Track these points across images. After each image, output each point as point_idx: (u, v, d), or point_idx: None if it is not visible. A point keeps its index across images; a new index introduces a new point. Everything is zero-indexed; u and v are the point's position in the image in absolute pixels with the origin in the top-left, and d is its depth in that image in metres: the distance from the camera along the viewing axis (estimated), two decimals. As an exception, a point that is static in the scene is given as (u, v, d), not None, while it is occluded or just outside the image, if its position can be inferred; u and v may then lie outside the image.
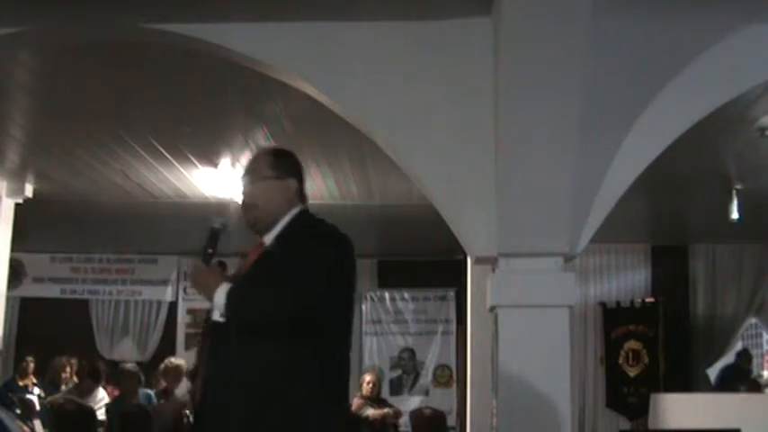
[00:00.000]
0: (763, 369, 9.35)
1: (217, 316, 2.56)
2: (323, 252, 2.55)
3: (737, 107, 5.09)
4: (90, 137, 6.55)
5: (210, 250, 2.71)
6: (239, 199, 2.77)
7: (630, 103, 3.87)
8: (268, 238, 2.68)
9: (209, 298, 2.56)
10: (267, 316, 2.51)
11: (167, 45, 4.16)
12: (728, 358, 9.94)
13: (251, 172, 2.75)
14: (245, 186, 2.74)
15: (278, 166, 2.73)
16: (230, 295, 2.52)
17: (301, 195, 2.76)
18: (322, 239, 2.59)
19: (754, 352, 10.58)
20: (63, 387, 8.44)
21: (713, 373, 9.87)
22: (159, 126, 6.30)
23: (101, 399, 7.98)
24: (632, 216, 7.69)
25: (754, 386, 8.99)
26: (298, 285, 2.48)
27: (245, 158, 6.93)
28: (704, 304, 10.02)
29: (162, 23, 3.94)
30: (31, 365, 8.63)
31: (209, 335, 2.66)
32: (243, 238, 2.85)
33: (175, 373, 7.55)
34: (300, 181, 2.77)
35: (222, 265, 2.77)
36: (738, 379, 9.09)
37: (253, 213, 2.70)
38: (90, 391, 7.92)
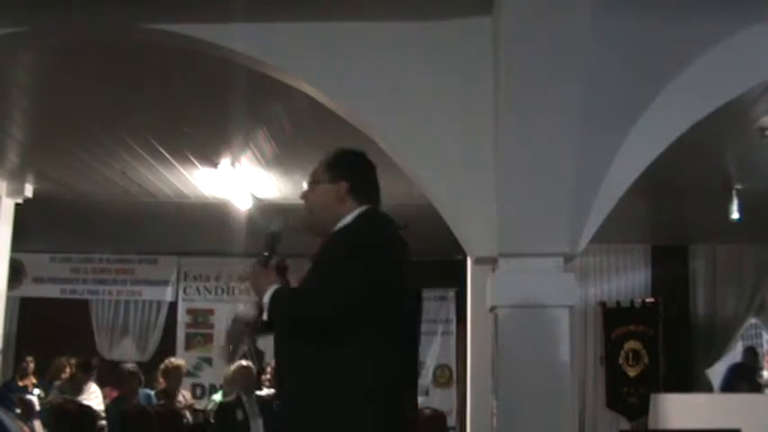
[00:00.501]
0: (763, 369, 9.34)
1: (265, 317, 2.61)
2: (355, 260, 2.50)
3: (737, 107, 5.08)
4: (90, 137, 6.55)
5: (267, 253, 2.73)
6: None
7: (630, 103, 3.87)
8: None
9: (260, 299, 2.63)
10: (296, 319, 2.55)
11: (167, 45, 4.16)
12: (734, 357, 9.94)
13: (309, 177, 2.78)
14: (306, 195, 2.77)
15: (331, 169, 2.73)
16: (273, 297, 2.57)
17: (363, 194, 2.72)
18: (349, 243, 2.57)
19: (754, 352, 10.58)
20: (57, 383, 8.43)
21: (718, 372, 9.87)
22: (159, 126, 6.30)
23: (93, 392, 8.01)
24: (632, 216, 7.69)
25: (757, 386, 8.98)
26: (325, 287, 2.50)
27: (245, 158, 6.94)
28: (704, 304, 10.02)
29: (162, 23, 3.94)
30: (31, 365, 8.63)
31: (252, 333, 2.78)
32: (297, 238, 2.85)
33: (176, 373, 7.56)
34: (357, 180, 2.72)
35: (283, 265, 2.76)
36: (747, 376, 9.08)
37: (309, 219, 2.74)
38: (82, 384, 7.94)
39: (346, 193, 2.69)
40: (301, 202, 2.80)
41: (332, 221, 2.68)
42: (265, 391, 7.14)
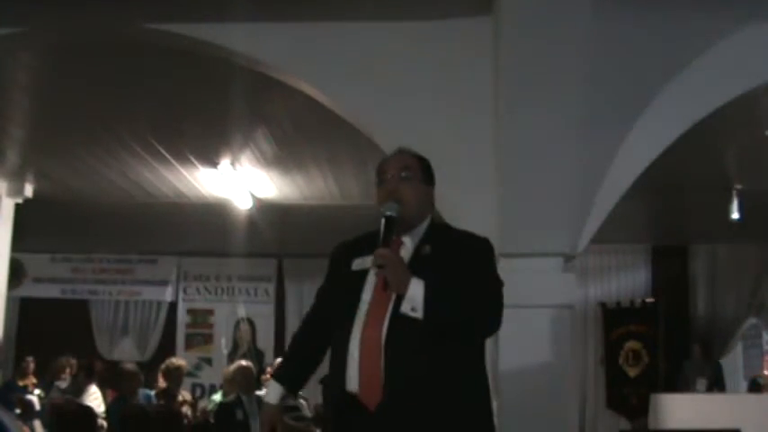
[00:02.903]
0: (763, 369, 9.33)
1: (407, 309, 2.46)
2: (493, 260, 2.68)
3: (737, 107, 5.08)
4: (90, 137, 6.55)
5: (388, 239, 2.59)
6: (385, 193, 2.68)
7: (630, 104, 3.87)
8: (408, 239, 2.66)
9: (400, 289, 2.47)
10: (473, 321, 2.54)
11: (167, 45, 4.16)
12: (734, 357, 9.93)
13: (407, 169, 2.73)
14: (400, 182, 2.69)
15: (427, 171, 2.81)
16: (431, 292, 2.46)
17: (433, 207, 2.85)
18: (487, 246, 2.68)
19: (754, 352, 10.59)
20: (58, 383, 8.44)
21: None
22: (159, 126, 6.31)
23: (93, 393, 8.02)
24: (632, 216, 7.69)
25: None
26: (496, 294, 2.57)
27: (245, 158, 6.95)
28: (704, 304, 10.02)
29: (162, 23, 3.94)
30: (31, 365, 8.63)
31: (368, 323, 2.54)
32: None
33: (177, 373, 7.55)
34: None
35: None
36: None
37: (406, 210, 2.65)
38: (84, 386, 7.96)
39: (433, 201, 2.82)
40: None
41: (420, 219, 2.71)
42: (265, 391, 7.13)
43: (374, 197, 2.74)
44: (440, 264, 2.57)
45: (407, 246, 2.64)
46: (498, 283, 2.61)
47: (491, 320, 2.56)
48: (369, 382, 2.47)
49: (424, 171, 2.78)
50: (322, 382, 2.86)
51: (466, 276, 2.54)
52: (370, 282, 2.60)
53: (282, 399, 2.78)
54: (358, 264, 2.66)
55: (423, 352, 2.45)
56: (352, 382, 2.49)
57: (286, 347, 3.03)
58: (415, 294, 2.46)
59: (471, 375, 2.55)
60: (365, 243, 2.67)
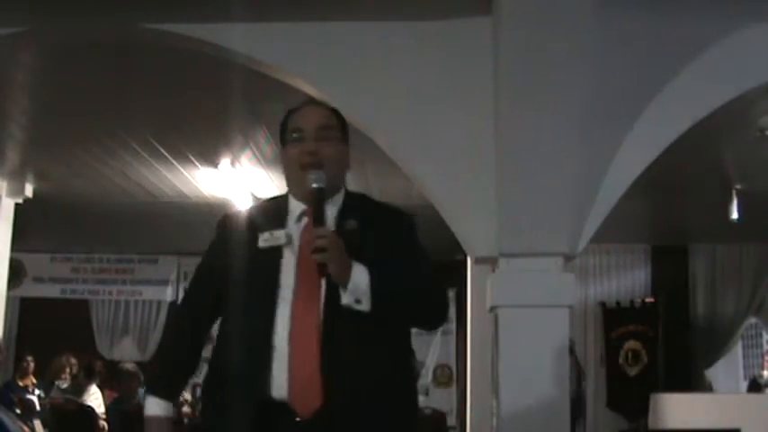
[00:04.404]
0: (763, 369, 9.32)
1: (350, 301, 2.09)
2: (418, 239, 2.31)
3: (737, 107, 5.07)
4: (90, 137, 6.55)
5: (322, 217, 2.18)
6: (305, 155, 2.24)
7: (630, 103, 3.87)
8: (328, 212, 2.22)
9: (342, 278, 2.09)
10: (422, 313, 2.24)
11: (167, 45, 4.16)
12: (734, 357, 9.92)
13: (328, 128, 2.28)
14: (320, 143, 2.24)
15: (345, 128, 2.36)
16: (377, 281, 2.10)
17: None
18: (414, 223, 2.32)
19: (754, 352, 10.58)
20: (58, 383, 8.44)
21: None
22: (159, 126, 6.31)
23: (93, 393, 8.03)
24: (632, 216, 7.69)
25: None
26: (438, 279, 2.26)
27: (245, 158, 6.94)
28: (704, 304, 10.01)
29: (162, 23, 3.94)
30: (32, 365, 8.62)
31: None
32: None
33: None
34: None
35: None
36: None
37: (329, 179, 2.21)
38: (84, 386, 7.96)
39: (349, 162, 2.37)
40: None
41: (339, 186, 2.30)
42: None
43: (282, 157, 2.34)
44: (369, 243, 2.17)
45: (328, 220, 2.20)
46: (431, 267, 2.27)
47: (441, 307, 2.27)
48: (304, 386, 2.06)
49: (342, 128, 2.34)
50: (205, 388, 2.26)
51: (402, 258, 2.19)
52: (288, 262, 2.17)
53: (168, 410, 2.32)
54: (266, 240, 2.21)
55: (366, 347, 2.10)
56: (280, 387, 2.07)
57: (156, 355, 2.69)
58: (359, 283, 2.09)
59: (407, 371, 2.28)
60: (271, 214, 2.28)
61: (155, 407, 2.30)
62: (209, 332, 2.36)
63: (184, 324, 2.41)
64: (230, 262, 2.26)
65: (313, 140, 2.23)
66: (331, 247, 2.08)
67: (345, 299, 2.09)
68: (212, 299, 2.30)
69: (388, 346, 2.17)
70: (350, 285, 2.09)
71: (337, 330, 2.09)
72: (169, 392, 2.35)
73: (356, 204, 2.30)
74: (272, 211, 2.30)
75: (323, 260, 2.08)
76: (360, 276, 2.09)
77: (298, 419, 2.06)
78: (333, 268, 2.08)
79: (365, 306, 2.09)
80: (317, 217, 2.17)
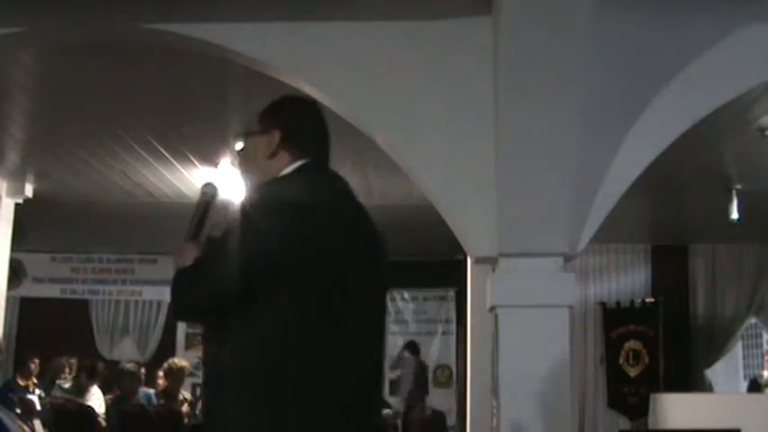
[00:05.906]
0: (763, 369, 9.33)
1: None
2: (256, 219, 2.02)
3: (737, 107, 5.08)
4: (90, 137, 6.55)
5: (196, 223, 2.26)
6: None
7: (630, 103, 3.87)
8: None
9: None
10: (182, 306, 2.24)
11: (167, 45, 4.16)
12: (734, 357, 9.91)
13: (241, 139, 2.33)
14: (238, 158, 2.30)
15: (265, 117, 2.28)
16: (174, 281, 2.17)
17: (301, 146, 2.20)
18: (258, 210, 2.04)
19: (754, 352, 10.59)
20: (60, 382, 8.44)
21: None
22: (159, 126, 6.31)
23: (93, 393, 8.03)
24: (632, 216, 7.70)
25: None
26: (213, 269, 2.16)
27: (245, 158, 6.94)
28: (704, 304, 10.02)
29: (162, 23, 3.94)
30: (36, 366, 8.63)
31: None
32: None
33: (179, 374, 7.55)
34: (292, 129, 2.22)
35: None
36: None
37: (242, 177, 2.25)
38: (85, 387, 7.97)
39: (279, 145, 2.20)
40: None
41: (261, 179, 2.18)
42: None
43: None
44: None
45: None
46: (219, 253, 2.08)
47: (187, 299, 2.22)
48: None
49: (260, 118, 2.29)
50: None
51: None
52: None
53: None
54: None
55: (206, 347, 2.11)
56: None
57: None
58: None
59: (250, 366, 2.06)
60: None
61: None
62: None
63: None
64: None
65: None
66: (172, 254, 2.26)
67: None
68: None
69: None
70: None
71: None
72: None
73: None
74: None
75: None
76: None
77: None
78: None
79: None
80: (195, 228, 2.28)
